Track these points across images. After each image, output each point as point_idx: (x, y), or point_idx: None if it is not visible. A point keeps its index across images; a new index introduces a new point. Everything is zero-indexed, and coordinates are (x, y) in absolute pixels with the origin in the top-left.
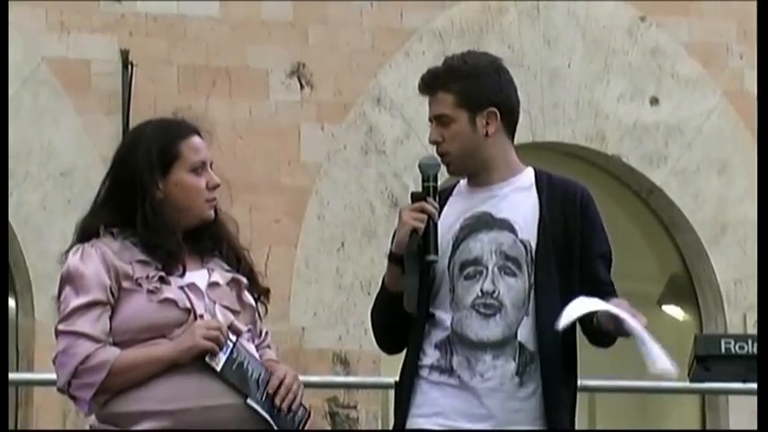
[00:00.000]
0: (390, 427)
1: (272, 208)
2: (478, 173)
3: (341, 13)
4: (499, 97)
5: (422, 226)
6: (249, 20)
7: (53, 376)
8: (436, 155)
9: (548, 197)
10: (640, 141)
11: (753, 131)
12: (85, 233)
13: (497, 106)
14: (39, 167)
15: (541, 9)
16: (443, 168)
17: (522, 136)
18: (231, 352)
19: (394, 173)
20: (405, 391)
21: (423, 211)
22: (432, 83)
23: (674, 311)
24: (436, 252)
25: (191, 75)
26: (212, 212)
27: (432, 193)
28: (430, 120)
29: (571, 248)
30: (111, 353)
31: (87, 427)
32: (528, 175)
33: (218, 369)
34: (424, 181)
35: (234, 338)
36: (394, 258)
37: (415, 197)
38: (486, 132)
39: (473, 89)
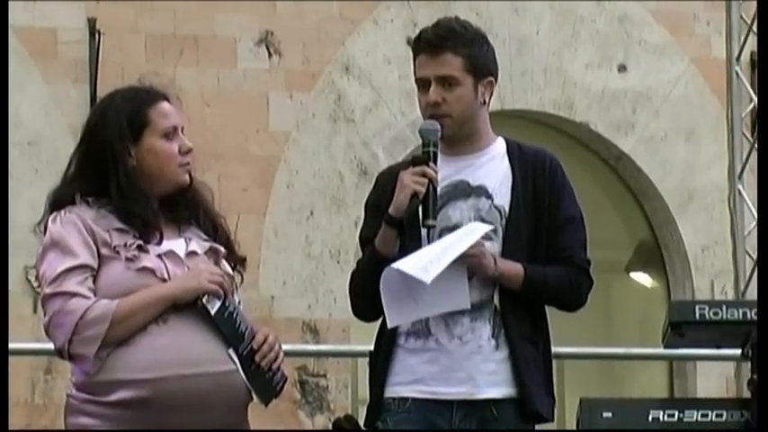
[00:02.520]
0: (359, 395)
1: (240, 176)
2: (463, 139)
3: None
4: (494, 68)
5: (423, 189)
6: None
7: (21, 345)
8: (430, 119)
9: (519, 164)
10: (608, 109)
11: (720, 98)
12: (59, 202)
13: (494, 77)
14: None
15: None
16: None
17: (490, 104)
18: (224, 300)
19: (363, 141)
20: (381, 360)
21: (424, 175)
22: (438, 43)
23: (642, 278)
24: (435, 217)
25: (158, 43)
26: (187, 177)
27: (432, 158)
28: (421, 80)
29: (540, 213)
30: (110, 303)
31: (64, 396)
32: (500, 144)
33: (213, 313)
34: (424, 146)
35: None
36: (391, 221)
37: (417, 161)
38: (484, 101)
39: (479, 56)
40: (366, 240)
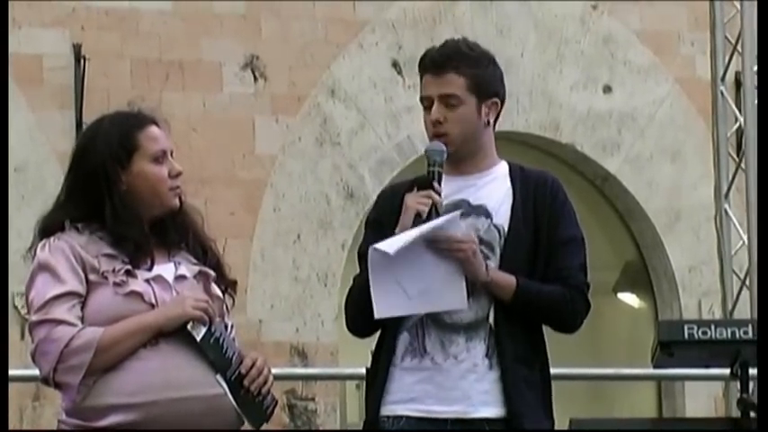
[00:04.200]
0: (347, 419)
1: (227, 201)
2: (466, 159)
3: (293, 4)
4: (500, 89)
5: (425, 209)
6: (201, 13)
7: (9, 372)
8: (434, 137)
9: (521, 185)
10: (594, 129)
11: (705, 118)
12: (49, 229)
13: (499, 98)
14: None
15: None
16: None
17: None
18: (210, 326)
19: (349, 164)
20: (377, 379)
21: (428, 198)
22: (443, 63)
23: (630, 299)
24: None
25: (144, 68)
26: (177, 201)
27: (437, 178)
28: (426, 99)
29: (539, 233)
30: (95, 331)
31: (52, 423)
32: (503, 166)
33: (198, 339)
34: (428, 165)
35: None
36: None
37: (420, 182)
38: (488, 121)
39: (484, 76)
40: (364, 255)
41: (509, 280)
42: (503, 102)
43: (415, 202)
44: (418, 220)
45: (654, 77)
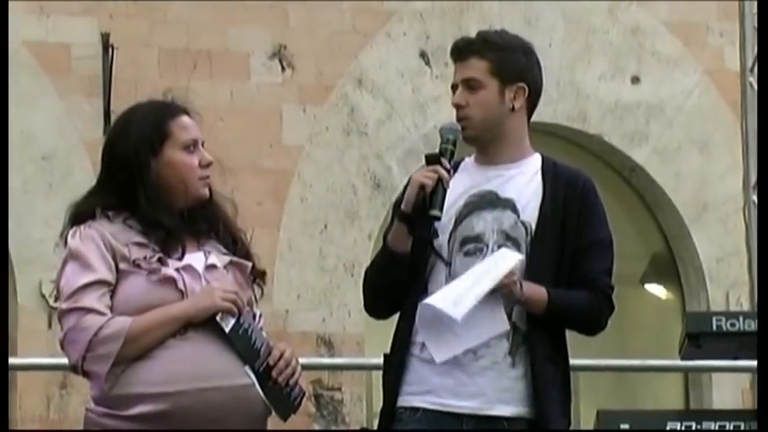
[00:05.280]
0: (373, 408)
1: (254, 190)
2: (491, 146)
3: None
4: (529, 76)
5: (431, 183)
6: (229, 2)
7: (36, 360)
8: (456, 121)
9: (552, 182)
10: (622, 120)
11: (734, 109)
12: (79, 216)
13: (527, 83)
14: (20, 151)
15: None
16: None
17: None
18: (239, 317)
19: (376, 154)
20: (395, 368)
21: (434, 173)
22: (465, 49)
23: (657, 290)
24: (441, 209)
25: (171, 57)
26: (207, 191)
27: (447, 155)
28: (454, 86)
29: (567, 233)
30: (124, 320)
31: (79, 411)
32: (536, 160)
33: (227, 330)
34: (442, 143)
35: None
36: (401, 216)
37: (430, 159)
38: (513, 107)
39: (507, 61)
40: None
41: (541, 295)
42: (533, 88)
43: (420, 175)
44: (421, 193)
45: (682, 68)
